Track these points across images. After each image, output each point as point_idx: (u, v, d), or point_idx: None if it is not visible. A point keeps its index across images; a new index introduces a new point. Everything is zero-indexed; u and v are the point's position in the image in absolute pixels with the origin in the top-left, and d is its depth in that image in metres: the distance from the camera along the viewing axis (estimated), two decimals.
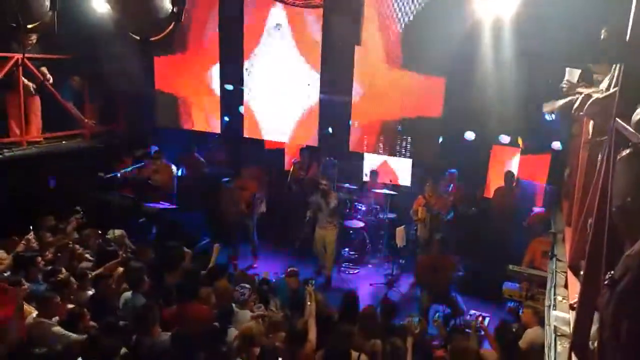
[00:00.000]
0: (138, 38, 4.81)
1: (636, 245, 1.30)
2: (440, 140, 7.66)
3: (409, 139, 7.93)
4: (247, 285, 5.32)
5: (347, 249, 8.74)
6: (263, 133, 8.97)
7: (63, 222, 6.92)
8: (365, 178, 9.24)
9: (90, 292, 5.29)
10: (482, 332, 5.20)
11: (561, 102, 3.94)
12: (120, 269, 5.68)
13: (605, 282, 1.37)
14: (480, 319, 5.04)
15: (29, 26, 5.61)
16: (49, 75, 7.68)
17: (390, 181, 8.90)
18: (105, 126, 8.99)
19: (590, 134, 3.67)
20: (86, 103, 8.70)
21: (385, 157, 8.89)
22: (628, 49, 2.03)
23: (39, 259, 5.60)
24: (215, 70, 9.06)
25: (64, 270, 5.47)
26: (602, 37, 2.80)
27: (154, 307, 4.55)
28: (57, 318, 4.54)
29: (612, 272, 1.36)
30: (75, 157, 8.16)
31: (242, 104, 9.08)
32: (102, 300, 5.12)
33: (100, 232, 6.84)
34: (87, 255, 6.23)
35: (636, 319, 1.25)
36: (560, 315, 3.25)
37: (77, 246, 6.29)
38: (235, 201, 8.35)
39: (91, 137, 8.64)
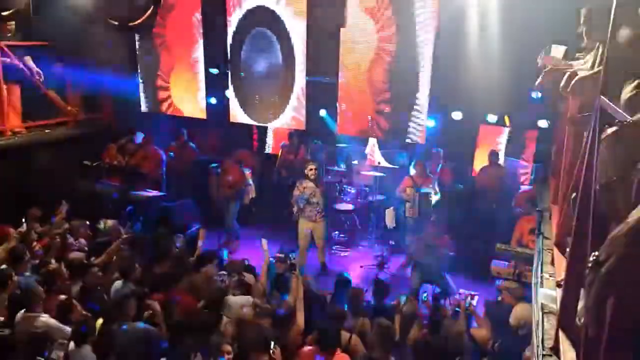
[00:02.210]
0: (117, 23, 4.71)
1: (621, 226, 1.30)
2: (434, 124, 7.69)
3: (397, 121, 7.92)
4: (225, 273, 5.35)
5: (337, 232, 8.77)
6: (249, 118, 8.92)
7: (50, 212, 6.85)
8: (354, 160, 9.24)
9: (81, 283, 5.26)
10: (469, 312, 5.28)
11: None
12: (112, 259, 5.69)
13: (589, 265, 1.37)
14: (469, 298, 5.11)
15: (4, 14, 5.48)
16: (32, 64, 7.49)
17: None
18: (89, 114, 8.87)
19: (576, 111, 3.68)
20: (69, 91, 8.56)
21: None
22: (611, 29, 2.02)
23: (26, 251, 5.54)
24: (199, 54, 8.94)
25: (53, 261, 5.44)
26: (582, 17, 2.79)
27: (132, 295, 4.55)
28: (47, 315, 4.49)
29: (596, 253, 1.36)
30: (60, 146, 8.06)
31: (227, 88, 8.99)
32: (92, 289, 5.09)
33: (88, 222, 6.78)
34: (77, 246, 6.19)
35: (619, 301, 1.25)
36: (547, 292, 3.29)
37: (68, 236, 6.25)
38: (220, 185, 8.33)
39: (75, 125, 8.52)
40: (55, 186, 7.33)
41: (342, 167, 9.12)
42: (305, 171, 7.50)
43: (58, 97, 8.27)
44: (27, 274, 5.25)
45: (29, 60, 7.45)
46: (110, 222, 6.80)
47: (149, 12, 4.70)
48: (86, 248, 6.15)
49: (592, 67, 3.06)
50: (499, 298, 5.30)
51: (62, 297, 4.75)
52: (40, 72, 7.45)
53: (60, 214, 6.71)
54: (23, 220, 6.28)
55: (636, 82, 1.99)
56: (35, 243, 6.02)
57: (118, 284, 5.20)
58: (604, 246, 1.34)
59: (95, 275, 5.32)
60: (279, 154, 9.05)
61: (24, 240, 5.89)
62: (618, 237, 1.29)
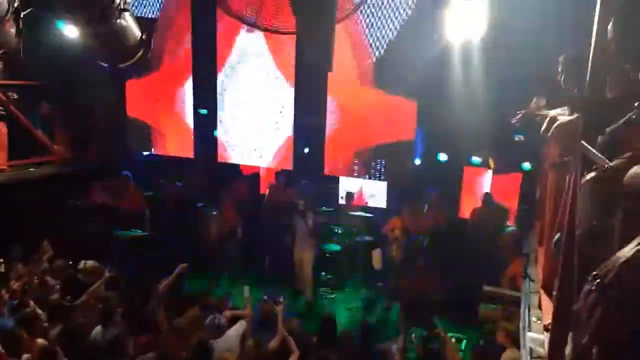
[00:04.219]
0: (107, 65, 4.77)
1: (633, 249, 1.27)
2: (419, 162, 7.79)
3: (384, 162, 8.02)
4: (217, 314, 5.22)
5: (323, 273, 8.67)
6: (238, 158, 8.96)
7: (33, 252, 6.71)
8: (341, 201, 9.25)
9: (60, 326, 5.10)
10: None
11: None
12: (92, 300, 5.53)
13: (592, 287, 1.33)
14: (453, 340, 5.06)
15: None
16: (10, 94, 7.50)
17: None
18: (75, 153, 8.83)
19: (557, 154, 3.76)
20: (56, 129, 8.55)
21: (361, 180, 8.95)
22: (589, 78, 2.09)
23: (4, 291, 5.39)
24: (188, 95, 9.05)
25: (32, 303, 5.28)
26: (559, 67, 2.90)
27: (123, 338, 4.42)
28: (27, 356, 4.34)
29: (598, 275, 1.32)
30: (45, 185, 7.98)
31: (216, 129, 9.07)
32: (73, 333, 4.93)
33: (72, 262, 6.64)
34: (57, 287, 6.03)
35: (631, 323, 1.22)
36: (535, 336, 3.26)
37: (49, 278, 6.10)
38: (219, 224, 8.28)
39: (61, 164, 8.46)
40: (39, 225, 7.22)
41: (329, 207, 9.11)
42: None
43: (44, 136, 8.25)
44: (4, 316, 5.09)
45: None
46: (90, 263, 6.64)
47: (139, 54, 4.77)
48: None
49: (572, 112, 3.14)
50: (493, 345, 5.22)
51: (40, 340, 4.60)
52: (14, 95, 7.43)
53: (45, 253, 6.58)
54: (1, 260, 6.16)
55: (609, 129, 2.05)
56: (13, 282, 5.86)
57: (99, 328, 5.05)
58: (611, 268, 1.31)
59: (76, 318, 5.16)
60: (267, 193, 9.03)
61: (1, 281, 5.73)
62: (632, 264, 1.25)
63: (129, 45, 4.66)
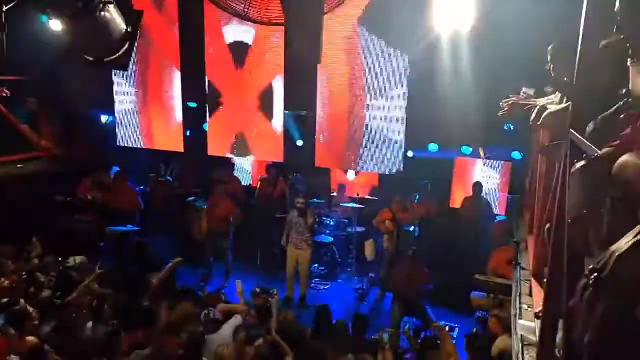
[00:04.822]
0: (91, 59, 4.68)
1: (626, 243, 1.25)
2: (412, 155, 7.80)
3: (375, 153, 8.02)
4: (210, 309, 5.22)
5: (316, 265, 8.68)
6: (227, 151, 8.92)
7: (22, 248, 6.64)
8: (333, 192, 9.26)
9: (52, 324, 5.06)
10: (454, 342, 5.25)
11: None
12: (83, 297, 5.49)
13: (589, 282, 1.31)
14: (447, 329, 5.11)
15: None
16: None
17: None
18: (63, 148, 8.73)
19: (547, 143, 3.76)
20: (43, 125, 8.45)
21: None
22: (578, 66, 2.09)
23: None
24: (177, 88, 8.97)
25: (21, 301, 5.23)
26: (549, 57, 2.90)
27: (116, 334, 4.40)
28: (16, 358, 4.30)
29: (594, 269, 1.30)
30: (33, 181, 7.91)
31: (205, 122, 9.01)
32: (65, 331, 4.90)
33: (60, 258, 6.58)
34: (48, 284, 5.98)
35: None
36: (526, 324, 3.28)
37: (39, 274, 6.05)
38: (211, 219, 8.20)
39: (49, 159, 8.37)
40: (28, 222, 7.15)
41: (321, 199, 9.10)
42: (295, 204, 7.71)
43: (31, 132, 8.15)
44: None
45: None
46: (79, 259, 6.59)
47: (125, 47, 4.69)
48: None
49: (561, 101, 3.14)
50: (485, 333, 5.26)
51: (31, 338, 4.56)
52: (6, 91, 7.26)
53: (35, 249, 6.52)
54: None
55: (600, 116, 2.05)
56: (2, 279, 5.80)
57: (91, 323, 5.02)
58: (607, 262, 1.28)
59: (68, 315, 5.13)
60: (257, 187, 9.00)
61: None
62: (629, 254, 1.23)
63: (113, 39, 4.58)
